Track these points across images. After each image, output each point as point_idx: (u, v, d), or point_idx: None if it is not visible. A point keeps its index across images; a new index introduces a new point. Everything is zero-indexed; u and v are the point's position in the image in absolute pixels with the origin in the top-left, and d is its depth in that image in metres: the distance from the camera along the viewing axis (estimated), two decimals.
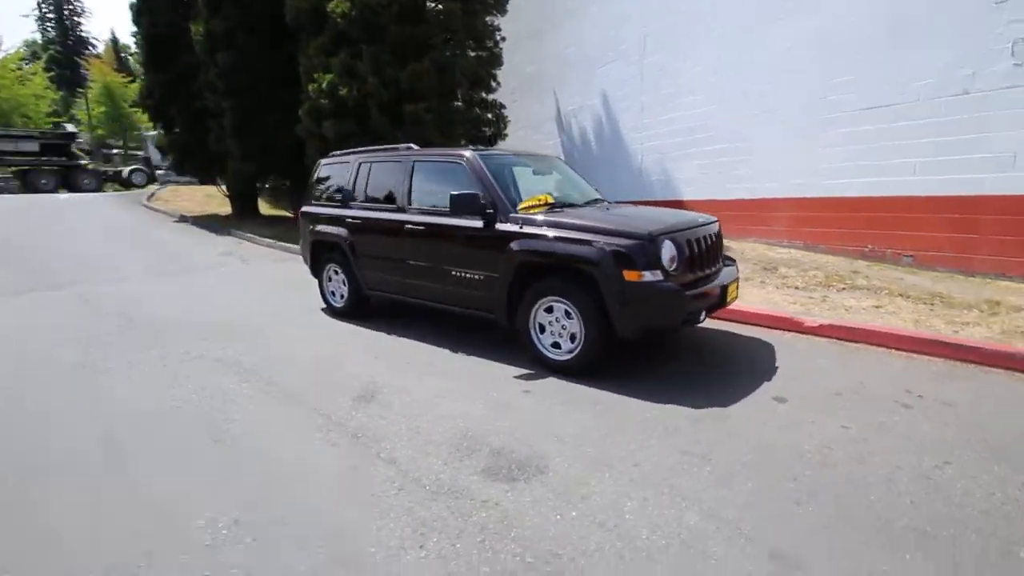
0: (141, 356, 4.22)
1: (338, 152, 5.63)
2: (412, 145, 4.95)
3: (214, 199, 18.13)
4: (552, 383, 3.53)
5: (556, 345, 3.70)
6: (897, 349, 4.10)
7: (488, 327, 4.70)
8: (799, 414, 3.01)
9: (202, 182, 18.12)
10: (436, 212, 4.33)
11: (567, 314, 3.59)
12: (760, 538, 1.98)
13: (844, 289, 5.63)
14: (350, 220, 4.99)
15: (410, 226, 4.44)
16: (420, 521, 2.10)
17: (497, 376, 3.69)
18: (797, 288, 5.81)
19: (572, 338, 3.60)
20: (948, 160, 5.69)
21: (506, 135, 11.39)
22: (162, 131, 15.86)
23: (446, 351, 4.27)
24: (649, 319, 3.35)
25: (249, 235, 12.32)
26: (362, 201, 4.98)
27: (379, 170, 4.91)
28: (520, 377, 3.64)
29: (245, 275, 8.24)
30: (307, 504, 2.24)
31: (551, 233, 3.60)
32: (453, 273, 4.19)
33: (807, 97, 6.94)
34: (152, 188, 24.26)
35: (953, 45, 5.54)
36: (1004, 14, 5.14)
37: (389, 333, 4.78)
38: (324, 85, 9.59)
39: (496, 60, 10.83)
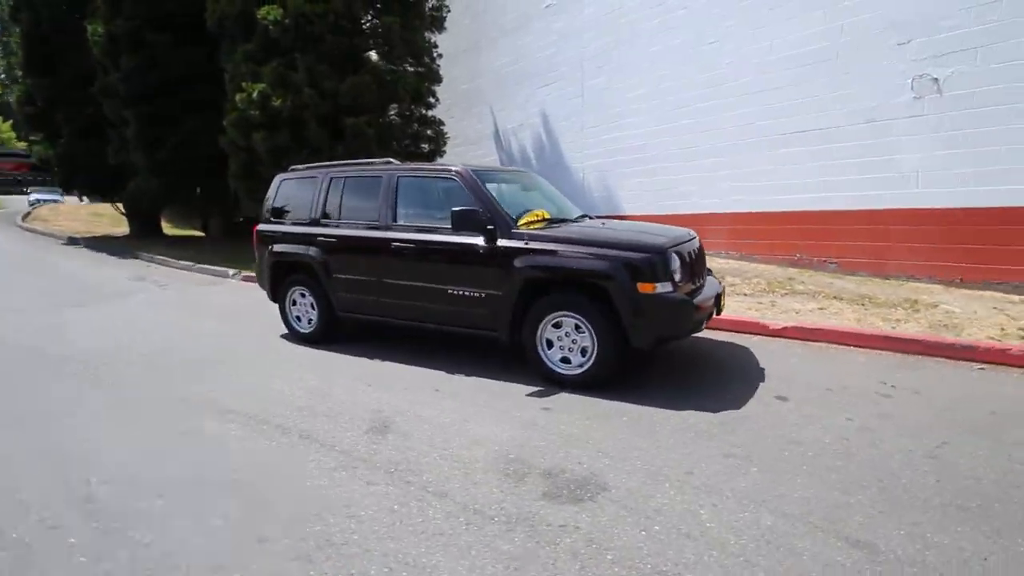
0: (90, 398, 3.61)
1: (299, 167, 5.27)
2: (392, 160, 4.76)
3: (103, 218, 16.18)
4: (567, 398, 3.51)
5: (566, 360, 3.69)
6: (855, 346, 4.57)
7: (472, 345, 4.61)
8: (806, 410, 3.25)
9: (90, 199, 16.05)
10: (428, 229, 4.18)
11: (577, 328, 3.61)
12: (833, 529, 2.10)
13: (787, 294, 6.20)
14: (322, 239, 4.66)
15: (397, 244, 4.24)
16: (508, 556, 1.98)
17: (507, 395, 3.61)
18: (746, 295, 6.29)
19: (583, 352, 3.62)
20: (862, 179, 6.51)
21: (444, 151, 11.33)
22: (43, 143, 13.86)
23: (442, 373, 4.10)
24: (662, 329, 3.46)
25: (160, 258, 11.10)
26: (336, 219, 4.68)
27: (355, 186, 4.66)
28: (532, 395, 3.58)
29: (170, 301, 7.40)
30: (381, 550, 2.02)
31: (562, 249, 3.62)
32: (449, 292, 4.05)
33: (741, 120, 7.63)
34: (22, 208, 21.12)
35: (862, 80, 6.38)
36: (905, 53, 6.02)
37: (371, 358, 4.51)
38: (255, 95, 8.96)
39: (436, 76, 10.78)
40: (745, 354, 4.43)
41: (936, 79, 5.83)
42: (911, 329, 4.76)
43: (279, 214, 5.13)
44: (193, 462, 2.76)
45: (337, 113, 9.66)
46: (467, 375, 4.03)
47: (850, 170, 6.62)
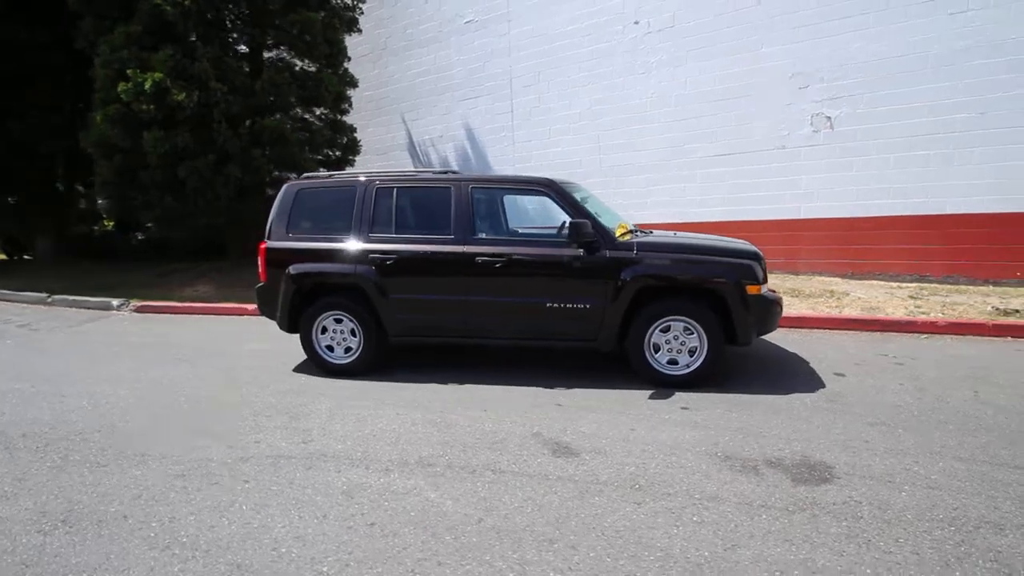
0: (117, 481, 2.74)
1: (319, 175, 4.61)
2: (455, 169, 4.45)
3: None
4: (689, 397, 3.74)
5: (672, 362, 3.92)
6: (830, 329, 5.65)
7: (519, 356, 4.65)
8: (868, 381, 3.98)
9: None
10: (518, 242, 4.05)
11: (686, 330, 3.87)
12: (1001, 458, 2.70)
13: None
14: (378, 256, 4.15)
15: (485, 259, 4.01)
16: (831, 535, 2.16)
17: (634, 401, 3.70)
18: None
19: (691, 353, 3.89)
20: (776, 194, 7.98)
21: (353, 160, 10.67)
22: None
23: (540, 388, 4.00)
24: (763, 327, 3.92)
25: None
26: (390, 233, 4.22)
27: (413, 196, 4.28)
28: (654, 398, 3.74)
29: (74, 349, 5.73)
30: (751, 557, 2.03)
31: (675, 257, 3.86)
32: (548, 305, 3.98)
33: (670, 143, 8.70)
34: None
35: (774, 114, 7.85)
36: (806, 96, 7.59)
37: (443, 382, 4.16)
38: (147, 86, 7.35)
39: (353, 79, 10.10)
40: (761, 343, 5.13)
41: (829, 117, 7.49)
42: (853, 313, 6.05)
43: (299, 229, 4.40)
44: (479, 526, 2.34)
45: (251, 114, 8.44)
46: (568, 388, 4.00)
47: (765, 187, 8.05)
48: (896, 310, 6.03)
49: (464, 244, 4.09)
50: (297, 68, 9.13)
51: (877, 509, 2.34)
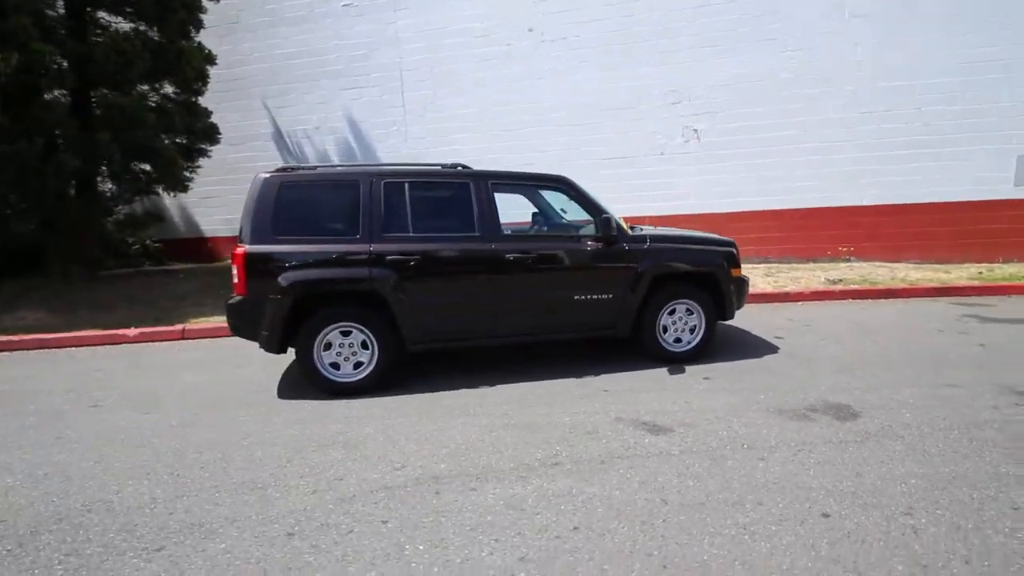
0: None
1: (300, 167, 3.95)
2: (464, 164, 4.22)
3: None
4: (703, 369, 4.27)
5: (678, 340, 4.43)
6: (806, 301, 6.85)
7: (515, 354, 4.74)
8: (802, 341, 5.03)
9: None
10: (542, 237, 4.10)
11: (688, 311, 4.41)
12: (939, 391, 3.79)
13: None
14: (397, 258, 3.78)
15: (516, 256, 3.97)
16: (897, 449, 2.85)
17: (662, 379, 4.10)
18: None
19: (691, 331, 4.45)
20: (658, 193, 9.25)
21: (209, 151, 9.25)
22: None
23: (571, 380, 4.14)
24: (741, 303, 4.66)
25: None
26: (405, 232, 3.87)
27: (428, 192, 3.99)
28: (674, 374, 4.18)
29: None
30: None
31: (679, 247, 4.35)
32: (576, 298, 4.14)
33: (565, 146, 9.39)
34: None
35: (654, 124, 9.08)
36: (678, 110, 8.95)
37: (474, 386, 4.02)
38: None
39: (211, 54, 8.60)
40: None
41: (696, 129, 8.97)
42: (816, 286, 7.38)
43: (288, 231, 3.74)
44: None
45: (85, 87, 6.60)
46: (595, 375, 4.22)
47: (649, 188, 9.27)
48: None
49: (491, 241, 3.99)
50: (148, 36, 7.39)
51: (905, 427, 3.11)
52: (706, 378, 4.09)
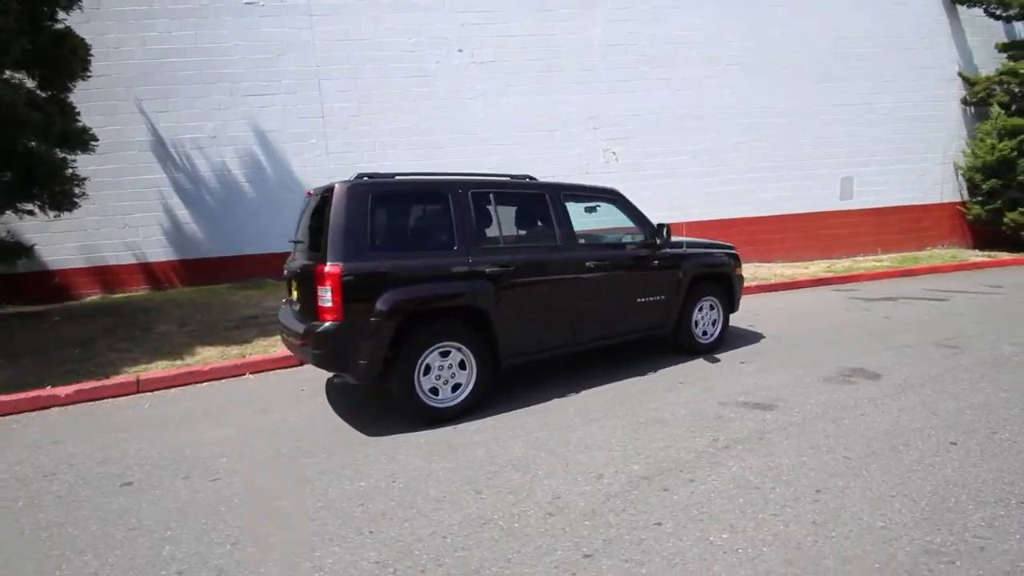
0: None
1: (379, 174, 3.56)
2: (529, 175, 4.19)
3: None
4: (739, 354, 4.88)
5: (704, 333, 5.02)
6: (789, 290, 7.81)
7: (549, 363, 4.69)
8: (789, 324, 6.06)
9: None
10: (607, 246, 4.33)
11: (711, 307, 5.03)
12: (929, 351, 4.97)
13: None
14: (496, 271, 3.65)
15: (594, 263, 4.12)
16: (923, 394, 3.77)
17: (710, 368, 4.59)
18: None
19: (713, 324, 5.07)
20: None
21: (72, 160, 7.61)
22: None
23: (639, 378, 4.39)
24: (740, 298, 5.43)
25: None
26: (497, 244, 3.75)
27: (510, 203, 3.93)
28: (712, 363, 4.72)
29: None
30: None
31: (705, 251, 4.92)
32: (639, 301, 4.44)
33: (501, 164, 9.60)
34: None
35: (578, 146, 9.87)
36: (598, 135, 9.88)
37: (563, 395, 4.03)
38: None
39: (83, 41, 7.01)
40: None
41: (615, 152, 10.00)
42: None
43: (382, 245, 3.36)
44: None
45: None
46: (654, 371, 4.53)
47: None
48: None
49: (571, 250, 4.08)
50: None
51: (918, 379, 4.05)
52: (742, 363, 4.72)
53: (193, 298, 7.65)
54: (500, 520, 2.43)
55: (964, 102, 10.91)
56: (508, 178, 4.13)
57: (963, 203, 11.15)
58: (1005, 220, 10.20)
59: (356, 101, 9.19)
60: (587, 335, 4.25)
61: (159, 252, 8.93)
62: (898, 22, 10.80)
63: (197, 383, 4.79)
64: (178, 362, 5.18)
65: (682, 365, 4.66)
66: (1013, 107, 10.23)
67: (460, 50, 9.38)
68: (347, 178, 3.52)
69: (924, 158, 11.12)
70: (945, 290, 7.71)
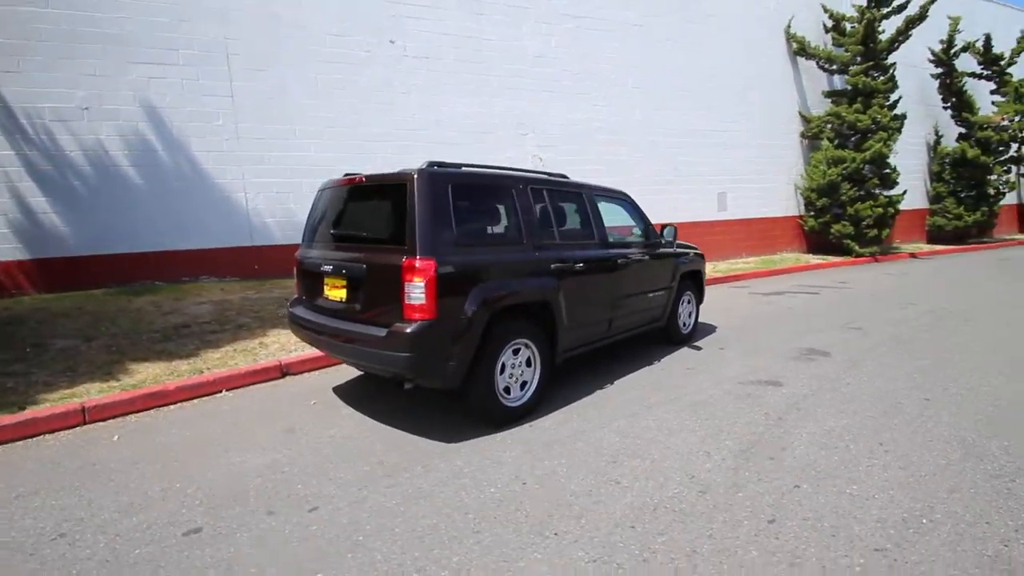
0: None
1: (447, 163, 3.34)
2: (562, 173, 4.21)
3: None
4: (707, 343, 5.50)
5: (684, 324, 5.58)
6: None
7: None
8: (743, 314, 6.92)
9: None
10: (625, 244, 4.56)
11: (688, 301, 5.61)
12: (895, 318, 6.08)
13: None
14: (560, 266, 3.66)
15: (624, 260, 4.35)
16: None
17: (702, 356, 5.13)
18: None
19: (689, 315, 5.66)
20: None
21: None
22: None
23: (648, 368, 4.75)
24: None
25: None
26: (551, 240, 3.77)
27: (559, 199, 3.97)
28: (699, 351, 5.30)
29: None
30: None
31: (685, 252, 5.45)
32: (650, 295, 4.78)
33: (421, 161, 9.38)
34: None
35: (508, 151, 10.04)
36: (527, 141, 10.17)
37: (601, 386, 4.20)
38: None
39: None
40: None
41: (542, 158, 10.39)
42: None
43: (465, 238, 3.17)
44: None
45: None
46: (658, 360, 4.93)
47: None
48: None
49: (606, 247, 4.26)
50: None
51: (862, 351, 5.02)
52: (721, 349, 5.35)
53: (78, 305, 6.12)
54: (665, 503, 2.51)
55: (803, 135, 13.58)
56: (546, 175, 4.17)
57: (801, 217, 13.84)
58: (832, 231, 12.91)
59: (275, 82, 8.20)
60: (617, 328, 4.47)
61: (3, 249, 6.94)
62: (758, 65, 13.02)
63: (164, 406, 3.92)
64: (114, 384, 4.17)
65: (676, 354, 5.13)
66: (836, 141, 13.03)
67: (392, 41, 8.94)
68: (418, 166, 3.24)
69: (775, 180, 13.55)
70: (811, 285, 9.52)
